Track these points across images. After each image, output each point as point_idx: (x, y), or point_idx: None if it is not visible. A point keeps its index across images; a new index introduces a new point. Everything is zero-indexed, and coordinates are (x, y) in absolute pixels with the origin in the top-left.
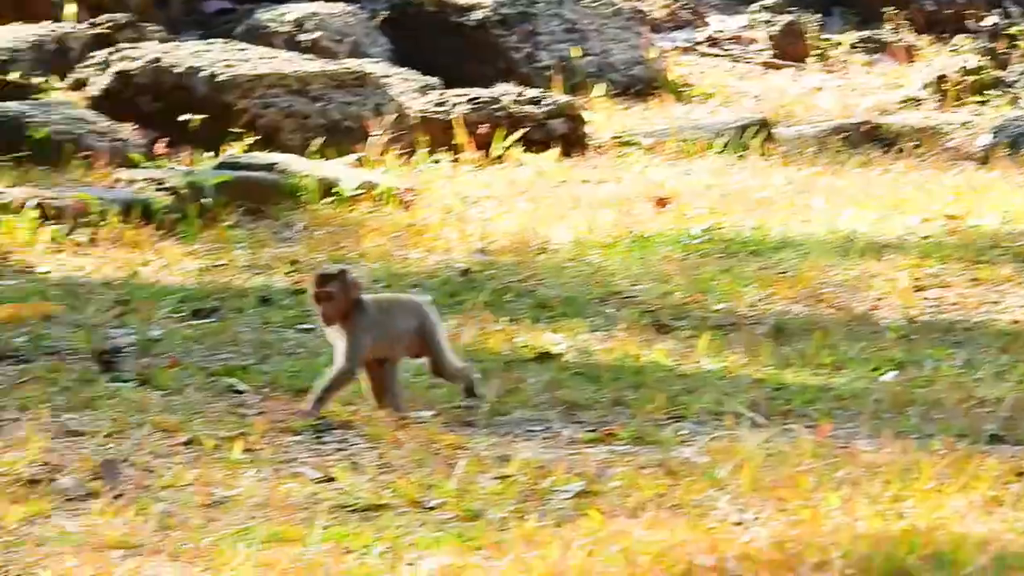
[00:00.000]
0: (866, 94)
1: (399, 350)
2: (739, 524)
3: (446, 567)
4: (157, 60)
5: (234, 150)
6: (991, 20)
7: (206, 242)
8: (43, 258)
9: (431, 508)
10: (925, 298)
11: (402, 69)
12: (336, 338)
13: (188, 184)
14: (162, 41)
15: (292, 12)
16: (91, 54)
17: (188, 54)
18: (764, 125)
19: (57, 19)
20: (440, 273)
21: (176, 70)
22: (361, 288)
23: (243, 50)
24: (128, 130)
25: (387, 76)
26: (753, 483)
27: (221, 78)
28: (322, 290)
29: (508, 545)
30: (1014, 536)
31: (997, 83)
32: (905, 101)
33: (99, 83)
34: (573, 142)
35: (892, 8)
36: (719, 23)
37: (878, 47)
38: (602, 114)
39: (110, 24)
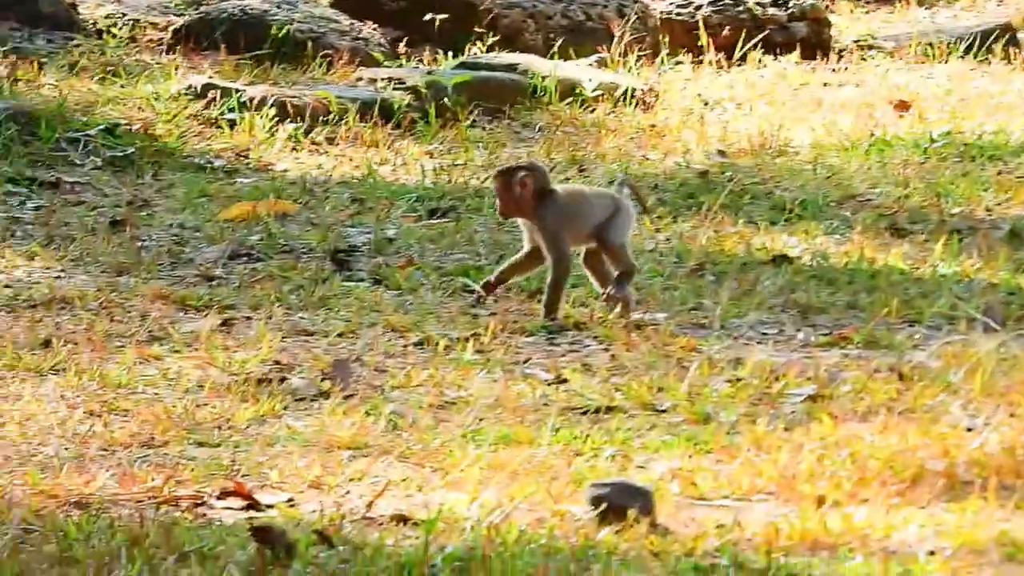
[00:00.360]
0: None
1: (591, 239)
2: (970, 430)
3: (676, 470)
4: None
5: (475, 50)
6: None
7: (444, 142)
8: (281, 156)
9: (662, 411)
10: None
11: None
12: (526, 231)
13: (428, 84)
14: None
15: None
16: None
17: None
18: (1007, 29)
19: None
20: (678, 175)
21: None
22: (540, 183)
23: None
24: (369, 29)
25: None
26: (985, 388)
27: None
28: (498, 183)
29: (738, 448)
30: None
31: None
32: None
33: None
34: (815, 45)
35: None
36: None
37: None
38: (845, 17)
39: None
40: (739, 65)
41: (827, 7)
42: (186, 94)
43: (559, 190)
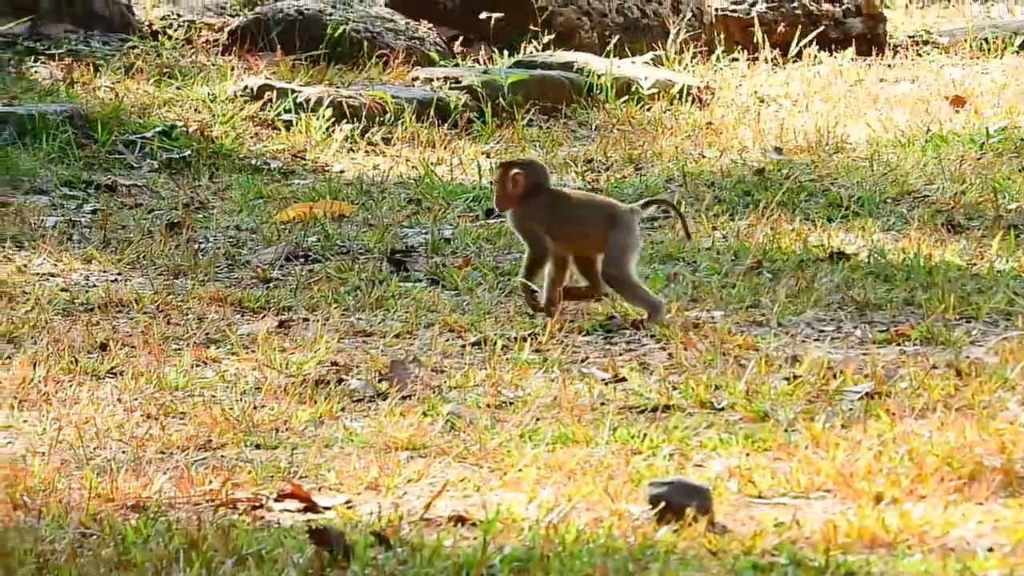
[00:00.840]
0: None
1: (586, 248)
2: None
3: (733, 468)
4: None
5: (531, 48)
6: None
7: (500, 141)
8: (337, 157)
9: (720, 409)
10: None
11: None
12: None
13: (484, 83)
14: None
15: None
16: None
17: None
18: None
19: None
20: (734, 172)
21: None
22: (534, 180)
23: None
24: (425, 28)
25: None
26: None
27: None
28: (496, 176)
29: (796, 446)
30: None
31: None
32: None
33: None
34: (871, 41)
35: None
36: None
37: None
38: (900, 13)
39: None
40: (795, 62)
41: (882, 3)
42: (242, 95)
43: (554, 191)
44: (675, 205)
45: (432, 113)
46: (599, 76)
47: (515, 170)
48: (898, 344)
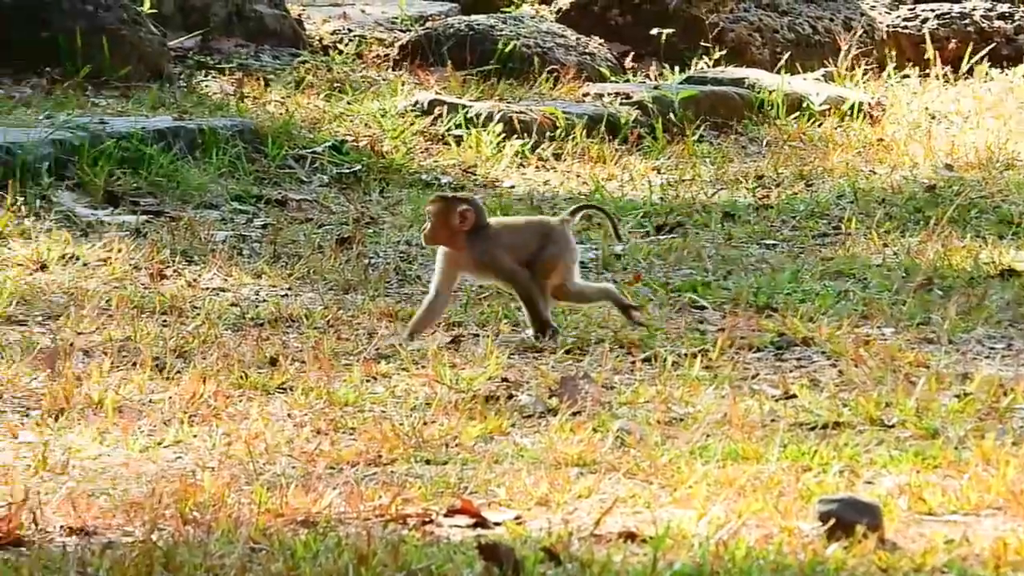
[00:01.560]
0: None
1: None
2: None
3: (904, 485)
4: None
5: (702, 64)
6: None
7: (671, 157)
8: (508, 172)
9: (890, 426)
10: None
11: None
12: (440, 261)
13: (655, 99)
14: None
15: None
16: None
17: None
18: None
19: None
20: (905, 189)
21: None
22: (473, 221)
23: None
24: (596, 44)
25: None
26: None
27: None
28: (435, 209)
29: (966, 464)
30: None
31: None
32: None
33: None
34: None
35: None
36: None
37: None
38: None
39: None
40: (966, 78)
41: None
42: (413, 110)
43: (492, 222)
44: (603, 208)
45: (603, 129)
46: (770, 92)
47: (464, 206)
48: None
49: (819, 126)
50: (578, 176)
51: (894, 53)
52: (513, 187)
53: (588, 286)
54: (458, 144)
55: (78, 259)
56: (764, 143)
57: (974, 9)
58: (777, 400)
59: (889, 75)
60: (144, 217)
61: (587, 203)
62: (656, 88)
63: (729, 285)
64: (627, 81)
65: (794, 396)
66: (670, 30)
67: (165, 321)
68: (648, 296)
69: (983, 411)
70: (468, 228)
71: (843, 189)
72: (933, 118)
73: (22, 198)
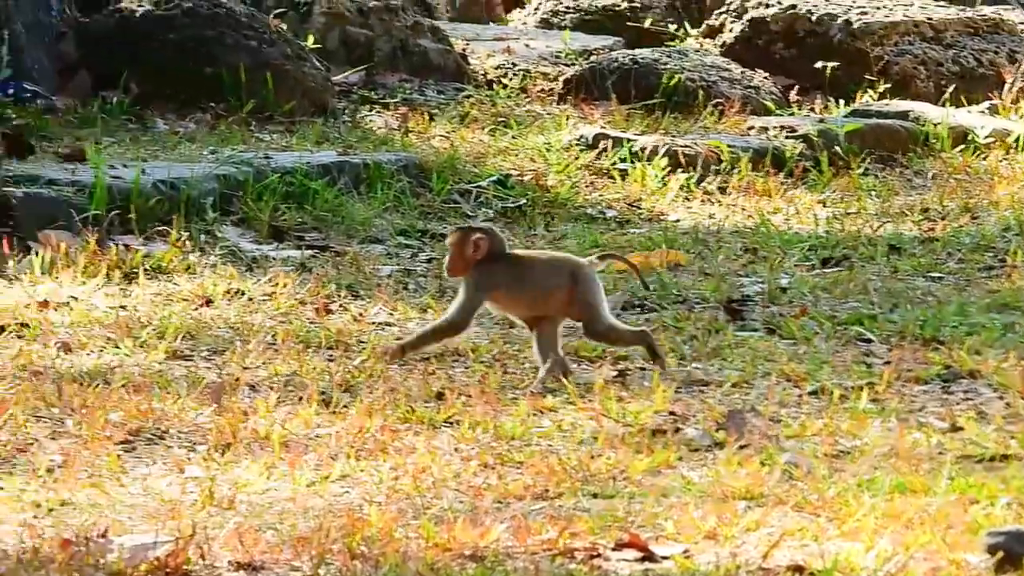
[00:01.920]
0: None
1: (548, 308)
2: None
3: None
4: (793, 7)
5: (866, 97)
6: None
7: (836, 190)
8: (673, 206)
9: None
10: None
11: None
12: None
13: (820, 132)
14: None
15: None
16: (725, 1)
17: (822, 0)
18: None
19: None
20: None
21: (812, 17)
22: (486, 249)
23: None
24: (760, 77)
25: (1022, 23)
26: None
27: (856, 25)
28: (453, 240)
29: None
30: None
31: None
32: None
33: (733, 30)
34: None
35: None
36: None
37: None
38: None
39: None
40: None
41: None
42: (577, 144)
43: (512, 255)
44: (626, 259)
45: (767, 162)
46: (935, 125)
47: (478, 235)
48: None
49: (984, 159)
50: (743, 209)
51: None
52: (678, 221)
53: (620, 326)
54: (623, 178)
55: (243, 294)
56: (929, 176)
57: None
58: (944, 433)
59: None
60: (309, 252)
61: (610, 252)
62: (821, 121)
63: (895, 318)
64: (791, 114)
65: (961, 428)
66: (834, 63)
67: (331, 356)
68: (815, 329)
69: None
70: (481, 256)
71: (1009, 222)
72: None
73: (187, 233)
